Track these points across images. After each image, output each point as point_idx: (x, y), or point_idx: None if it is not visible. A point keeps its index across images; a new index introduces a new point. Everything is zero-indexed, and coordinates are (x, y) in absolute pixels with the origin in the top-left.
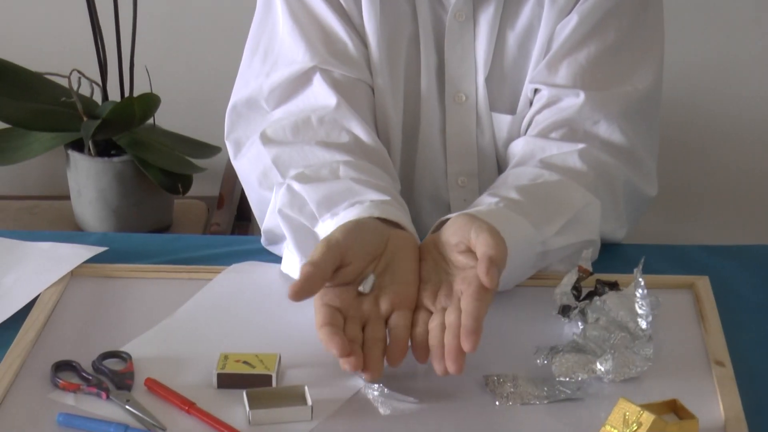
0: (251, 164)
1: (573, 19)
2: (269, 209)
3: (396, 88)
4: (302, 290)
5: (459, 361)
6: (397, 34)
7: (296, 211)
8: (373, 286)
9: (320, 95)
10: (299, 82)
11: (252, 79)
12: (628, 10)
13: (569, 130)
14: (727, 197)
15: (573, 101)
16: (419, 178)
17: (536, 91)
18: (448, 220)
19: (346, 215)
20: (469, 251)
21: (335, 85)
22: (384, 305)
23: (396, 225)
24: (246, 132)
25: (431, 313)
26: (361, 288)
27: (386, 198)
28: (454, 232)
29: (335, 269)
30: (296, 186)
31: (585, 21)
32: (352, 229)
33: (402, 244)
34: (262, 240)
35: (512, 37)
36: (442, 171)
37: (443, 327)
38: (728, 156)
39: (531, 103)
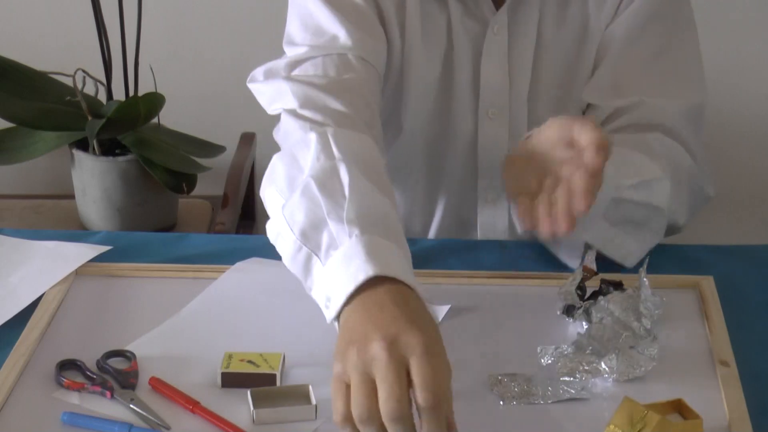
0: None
1: (618, 31)
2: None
3: (428, 103)
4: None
5: (572, 220)
6: (434, 47)
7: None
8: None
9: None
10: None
11: (290, 49)
12: (663, 25)
13: (637, 128)
14: (732, 197)
15: (639, 109)
16: (450, 192)
17: (589, 104)
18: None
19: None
20: (572, 146)
21: (347, 64)
22: None
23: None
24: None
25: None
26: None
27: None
28: (557, 129)
29: None
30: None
31: (631, 34)
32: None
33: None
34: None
35: (555, 51)
36: (472, 186)
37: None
38: (734, 156)
39: (583, 113)
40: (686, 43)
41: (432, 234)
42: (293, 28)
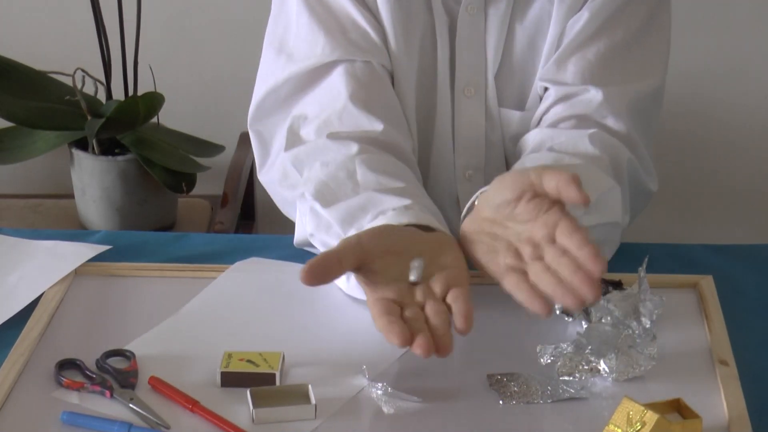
0: (276, 168)
1: (584, 16)
2: (297, 222)
3: (410, 78)
4: (314, 271)
5: (595, 286)
6: (412, 23)
7: (323, 232)
8: (421, 273)
9: (337, 87)
10: (318, 73)
11: (270, 75)
12: (639, 10)
13: (578, 121)
14: (731, 196)
15: (582, 98)
16: (434, 168)
17: (546, 88)
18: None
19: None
20: (535, 198)
21: (355, 77)
22: (438, 288)
23: (426, 227)
24: (268, 125)
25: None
26: (411, 278)
27: (407, 202)
28: (509, 188)
29: (357, 265)
30: (318, 208)
31: (595, 18)
32: (376, 231)
33: (441, 240)
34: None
35: (521, 33)
36: (451, 163)
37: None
38: (733, 155)
39: (541, 100)
40: (658, 26)
41: None
42: (289, 34)
